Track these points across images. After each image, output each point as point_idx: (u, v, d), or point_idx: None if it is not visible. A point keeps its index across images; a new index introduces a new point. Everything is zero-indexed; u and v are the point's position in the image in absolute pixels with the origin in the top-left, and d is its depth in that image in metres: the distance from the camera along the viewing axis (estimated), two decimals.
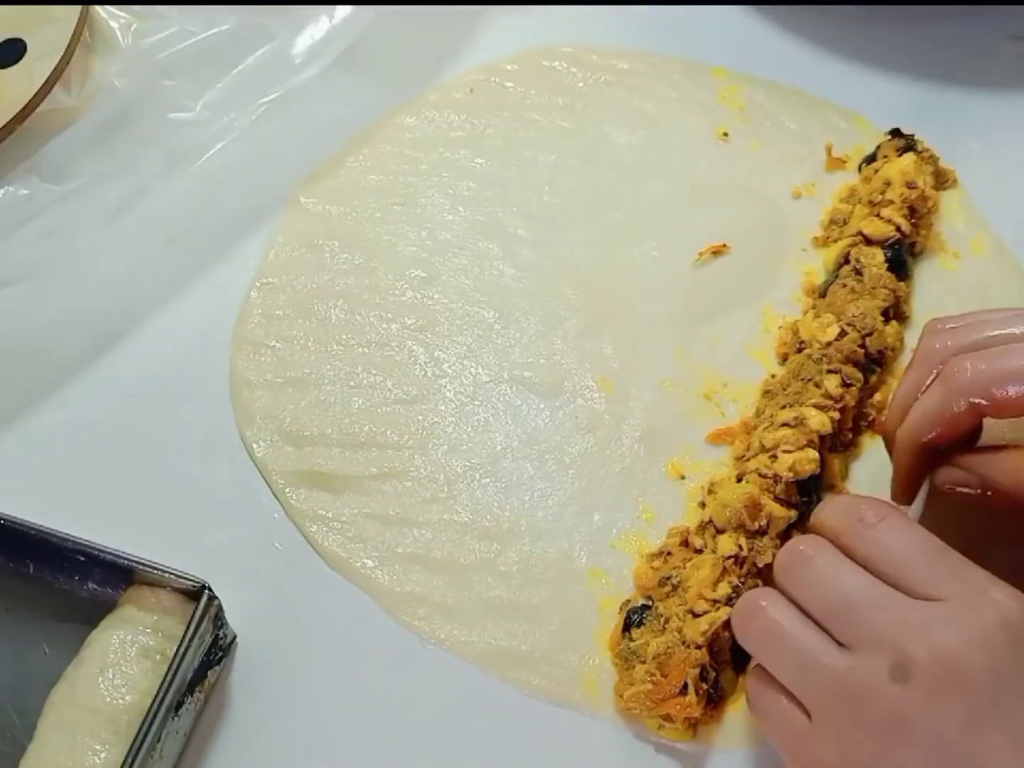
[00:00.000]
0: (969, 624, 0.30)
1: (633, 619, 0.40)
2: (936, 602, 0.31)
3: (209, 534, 0.43)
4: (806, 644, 0.33)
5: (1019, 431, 0.37)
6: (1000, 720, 0.29)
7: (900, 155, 0.51)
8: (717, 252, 0.50)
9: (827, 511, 0.36)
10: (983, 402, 0.35)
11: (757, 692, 0.35)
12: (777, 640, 0.33)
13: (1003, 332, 0.36)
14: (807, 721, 0.32)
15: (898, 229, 0.48)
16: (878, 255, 0.47)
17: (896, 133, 0.52)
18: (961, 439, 0.37)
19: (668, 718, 0.38)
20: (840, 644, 0.32)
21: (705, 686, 0.37)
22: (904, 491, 0.39)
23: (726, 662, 0.39)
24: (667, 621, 0.39)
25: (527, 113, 0.56)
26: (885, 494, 0.39)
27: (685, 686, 0.37)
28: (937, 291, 0.49)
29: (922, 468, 0.38)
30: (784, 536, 0.40)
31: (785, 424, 0.42)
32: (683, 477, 0.44)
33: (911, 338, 0.47)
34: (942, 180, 0.52)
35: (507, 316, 0.49)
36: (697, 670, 0.37)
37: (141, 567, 0.39)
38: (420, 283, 0.50)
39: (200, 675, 0.38)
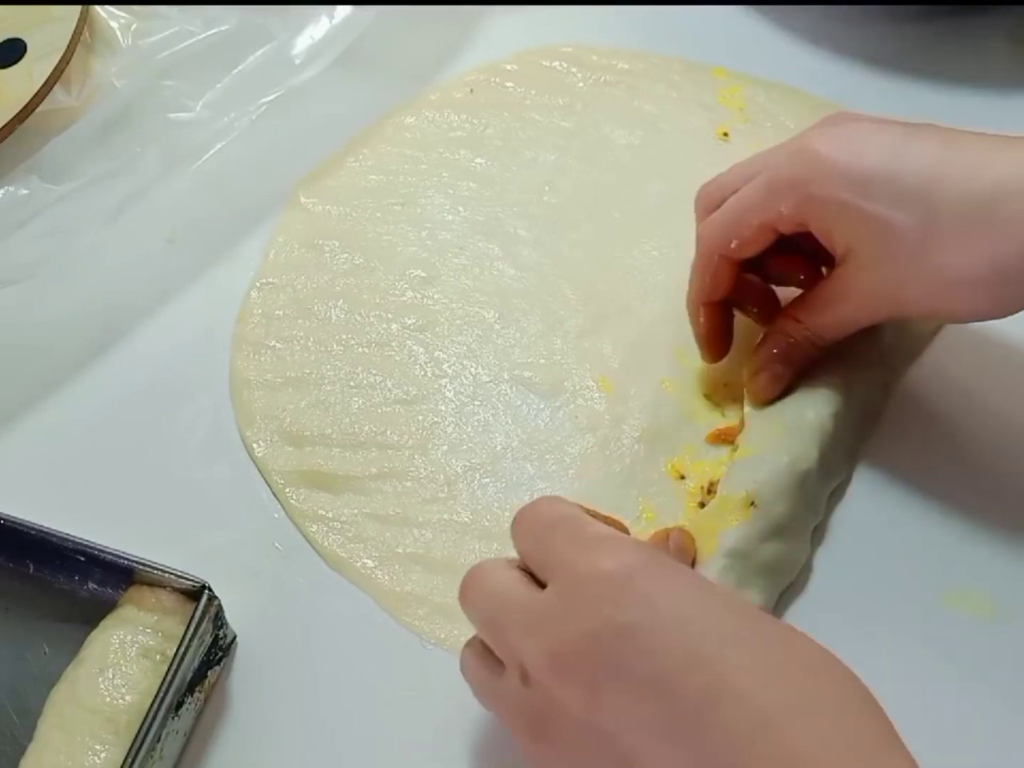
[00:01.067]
0: (573, 615, 0.31)
1: None
2: (545, 592, 0.33)
3: (209, 534, 0.43)
4: (478, 671, 0.35)
5: None
6: (615, 683, 0.30)
7: None
8: None
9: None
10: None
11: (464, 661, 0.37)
12: (463, 661, 0.36)
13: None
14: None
15: None
16: None
17: None
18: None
19: None
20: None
21: None
22: (711, 344, 0.45)
23: None
24: None
25: (527, 113, 0.56)
26: None
27: None
28: None
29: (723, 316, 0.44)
30: None
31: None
32: (683, 477, 0.44)
33: None
34: None
35: (507, 316, 0.49)
36: None
37: (141, 567, 0.39)
38: (420, 283, 0.50)
39: (200, 675, 0.38)
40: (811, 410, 0.42)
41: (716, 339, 0.45)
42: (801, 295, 0.43)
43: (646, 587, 0.31)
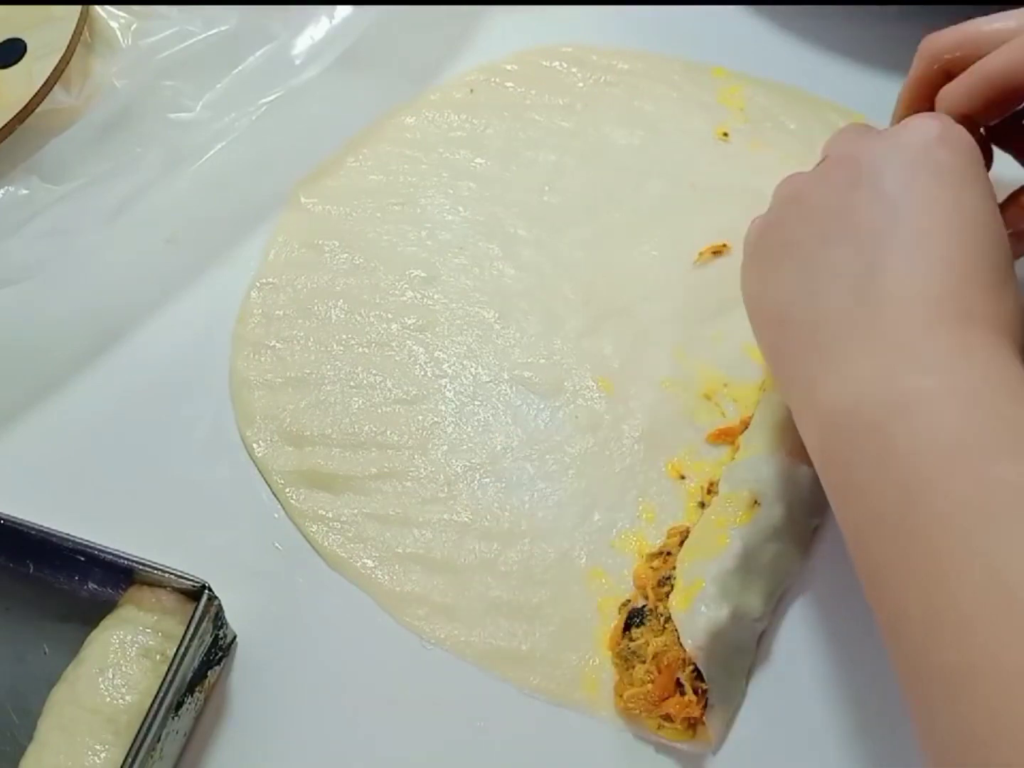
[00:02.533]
0: (882, 135, 0.37)
1: (634, 619, 0.40)
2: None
3: (209, 534, 0.43)
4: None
5: None
6: (872, 182, 0.35)
7: None
8: (717, 252, 0.50)
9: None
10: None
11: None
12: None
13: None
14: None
15: None
16: None
17: None
18: None
19: (668, 718, 0.38)
20: None
21: (704, 686, 0.37)
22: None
23: None
24: (667, 621, 0.39)
25: (527, 113, 0.56)
26: None
27: (683, 686, 0.37)
28: None
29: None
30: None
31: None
32: (683, 477, 0.44)
33: None
34: None
35: (507, 316, 0.49)
36: (691, 669, 0.37)
37: (141, 567, 0.39)
38: (420, 283, 0.50)
39: (200, 675, 0.38)
40: None
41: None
42: None
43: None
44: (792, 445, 0.42)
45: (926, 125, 0.36)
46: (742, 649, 0.39)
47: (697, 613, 0.38)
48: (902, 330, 0.32)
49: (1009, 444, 0.29)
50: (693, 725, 0.38)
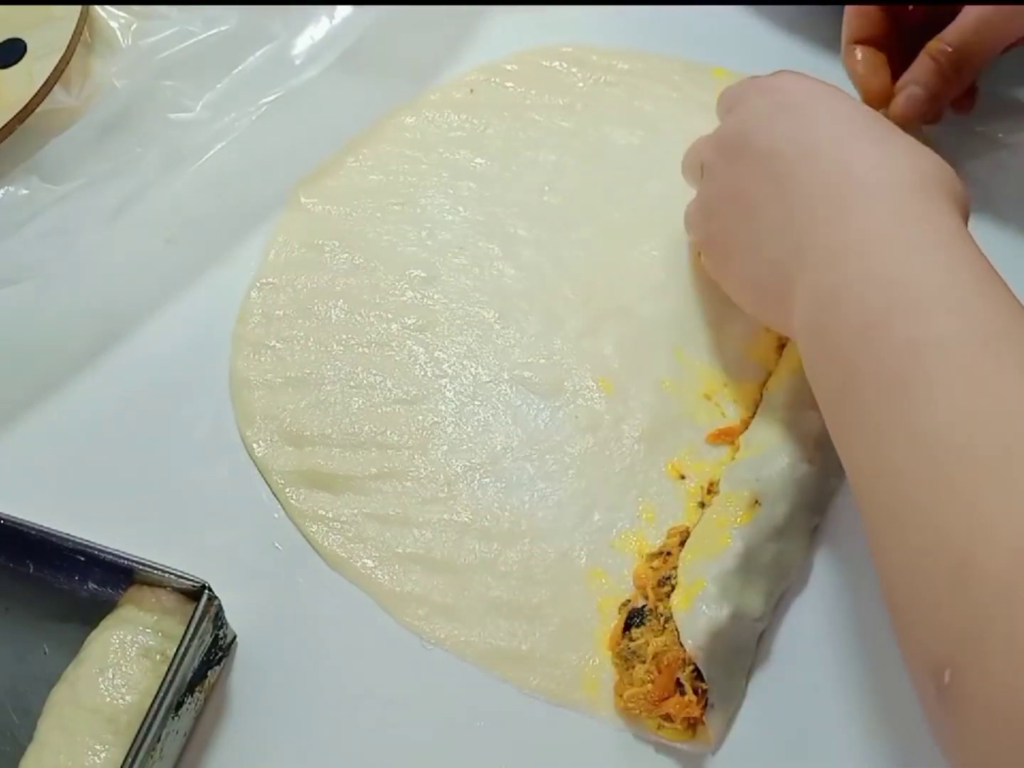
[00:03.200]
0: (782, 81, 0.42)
1: (634, 619, 0.40)
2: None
3: (209, 534, 0.43)
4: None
5: None
6: (822, 111, 0.39)
7: None
8: None
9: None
10: None
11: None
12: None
13: None
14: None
15: None
16: None
17: None
18: None
19: (668, 718, 0.38)
20: None
21: (704, 686, 0.37)
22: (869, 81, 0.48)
23: None
24: (667, 621, 0.39)
25: (527, 113, 0.56)
26: None
27: (683, 686, 0.37)
28: None
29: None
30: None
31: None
32: (683, 477, 0.44)
33: None
34: None
35: (507, 316, 0.49)
36: (691, 669, 0.37)
37: (141, 567, 0.39)
38: (420, 283, 0.50)
39: (200, 675, 0.38)
40: (813, 411, 0.42)
41: (872, 75, 0.48)
42: (955, 20, 0.45)
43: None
44: (794, 444, 0.42)
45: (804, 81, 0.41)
46: (742, 649, 0.39)
47: (698, 613, 0.38)
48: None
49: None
50: (693, 725, 0.38)
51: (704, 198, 0.45)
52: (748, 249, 0.41)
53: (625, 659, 0.39)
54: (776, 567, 0.40)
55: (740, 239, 0.41)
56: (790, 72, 0.42)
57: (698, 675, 0.37)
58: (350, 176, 0.54)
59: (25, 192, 0.47)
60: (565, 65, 0.58)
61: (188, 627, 0.37)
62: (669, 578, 0.40)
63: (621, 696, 0.38)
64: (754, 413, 0.45)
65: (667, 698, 0.37)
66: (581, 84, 0.57)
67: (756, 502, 0.40)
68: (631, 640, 0.39)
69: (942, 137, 0.48)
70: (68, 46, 0.51)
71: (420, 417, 0.46)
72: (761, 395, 0.45)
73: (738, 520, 0.40)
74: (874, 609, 0.41)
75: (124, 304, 0.50)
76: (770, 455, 0.42)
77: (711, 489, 0.43)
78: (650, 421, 0.46)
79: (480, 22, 0.60)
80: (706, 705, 0.38)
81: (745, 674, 0.40)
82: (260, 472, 0.45)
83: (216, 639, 0.39)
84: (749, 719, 0.39)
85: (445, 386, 0.47)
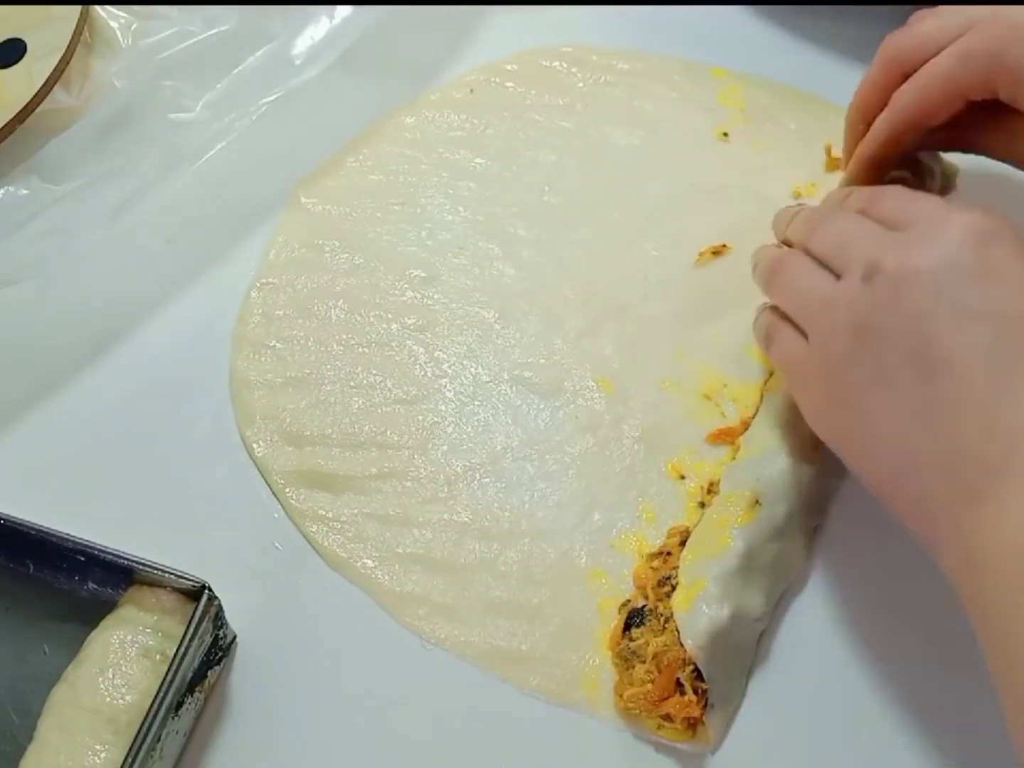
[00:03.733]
0: (933, 240, 0.35)
1: (634, 619, 0.40)
2: (909, 230, 0.36)
3: (209, 534, 0.43)
4: (809, 280, 0.38)
5: None
6: (952, 300, 0.33)
7: None
8: (717, 252, 0.50)
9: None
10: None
11: (769, 327, 0.41)
12: (789, 281, 0.40)
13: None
14: (806, 344, 0.38)
15: None
16: None
17: None
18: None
19: (668, 718, 0.38)
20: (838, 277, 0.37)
21: (704, 686, 0.37)
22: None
23: None
24: (667, 621, 0.39)
25: (527, 113, 0.56)
26: None
27: (682, 685, 0.37)
28: None
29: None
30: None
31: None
32: (683, 477, 0.44)
33: None
34: (946, 182, 0.52)
35: (507, 316, 0.49)
36: (691, 669, 0.37)
37: (141, 567, 0.39)
38: (420, 283, 0.50)
39: (200, 675, 0.38)
40: None
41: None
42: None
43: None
44: (794, 444, 0.42)
45: (966, 221, 0.35)
46: (742, 649, 0.39)
47: (698, 613, 0.38)
48: None
49: None
50: (693, 725, 0.38)
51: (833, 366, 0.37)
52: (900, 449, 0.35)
53: (625, 659, 0.39)
54: (776, 567, 0.40)
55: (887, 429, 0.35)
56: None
57: (698, 675, 0.37)
58: (350, 176, 0.54)
59: (25, 192, 0.47)
60: (565, 65, 0.58)
61: (188, 627, 0.37)
62: (669, 578, 0.40)
63: (621, 696, 0.38)
64: (755, 413, 0.45)
65: (667, 698, 0.37)
66: (581, 84, 0.57)
67: (756, 502, 0.40)
68: (631, 640, 0.39)
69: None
70: (68, 46, 0.51)
71: (420, 417, 0.46)
72: (761, 395, 0.45)
73: (739, 520, 0.40)
74: (873, 609, 0.41)
75: (124, 304, 0.50)
76: (770, 455, 0.42)
77: (711, 489, 0.43)
78: (650, 421, 0.46)
79: (480, 22, 0.60)
80: (706, 705, 0.38)
81: (745, 674, 0.40)
82: (260, 472, 0.45)
83: (216, 639, 0.39)
84: (749, 719, 0.39)
85: (445, 386, 0.47)
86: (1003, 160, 0.44)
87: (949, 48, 0.41)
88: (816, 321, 0.37)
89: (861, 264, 0.36)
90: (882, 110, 0.44)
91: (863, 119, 0.45)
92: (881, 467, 0.35)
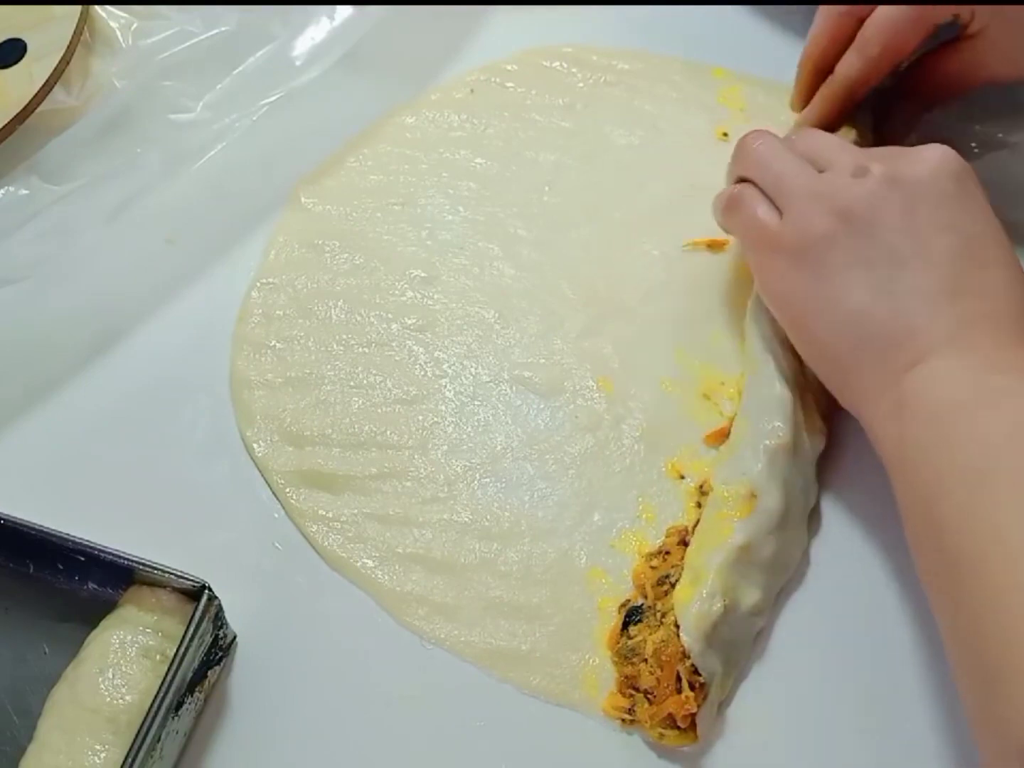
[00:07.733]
0: (917, 161, 0.40)
1: (632, 617, 0.40)
2: (891, 156, 0.41)
3: (209, 534, 0.43)
4: (791, 165, 0.42)
5: None
6: (931, 209, 0.39)
7: None
8: (712, 245, 0.50)
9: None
10: None
11: (735, 196, 0.44)
12: (768, 161, 0.43)
13: None
14: (779, 219, 0.41)
15: None
16: None
17: None
18: None
19: (670, 719, 0.37)
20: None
21: (701, 679, 0.37)
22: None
23: None
24: (664, 616, 0.39)
25: (527, 113, 0.56)
26: None
27: (680, 681, 0.37)
28: None
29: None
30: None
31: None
32: (683, 477, 0.44)
33: None
34: None
35: (507, 316, 0.49)
36: (689, 663, 0.37)
37: (141, 567, 0.39)
38: (420, 283, 0.50)
39: (200, 675, 0.38)
40: (767, 388, 0.43)
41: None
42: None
43: None
44: (767, 434, 0.41)
45: (942, 156, 0.40)
46: (739, 643, 0.39)
47: (697, 606, 0.38)
48: (990, 344, 0.37)
49: None
50: (693, 727, 0.38)
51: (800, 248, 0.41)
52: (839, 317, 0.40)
53: (624, 657, 0.39)
54: (776, 560, 0.40)
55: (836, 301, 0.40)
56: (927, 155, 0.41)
57: (694, 669, 0.37)
58: (350, 176, 0.54)
59: (25, 192, 0.47)
60: (565, 65, 0.58)
61: (188, 627, 0.37)
62: (668, 577, 0.40)
63: (621, 695, 0.38)
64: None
65: (668, 697, 0.37)
66: (581, 84, 0.57)
67: (752, 495, 0.40)
68: (629, 638, 0.39)
69: (942, 137, 0.48)
70: (68, 46, 0.51)
71: (420, 417, 0.46)
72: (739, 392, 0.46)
73: (738, 513, 0.40)
74: (871, 605, 0.41)
75: (124, 304, 0.50)
76: (747, 446, 0.41)
77: (704, 489, 0.43)
78: (650, 421, 0.46)
79: (480, 22, 0.60)
80: (704, 699, 0.37)
81: (738, 669, 0.40)
82: (260, 472, 0.45)
83: (216, 639, 0.39)
84: (749, 719, 0.39)
85: (445, 386, 0.47)
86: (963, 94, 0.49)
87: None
88: (795, 201, 0.41)
89: (849, 164, 0.41)
90: (838, 59, 0.46)
91: (818, 67, 0.48)
92: (841, 337, 0.40)
